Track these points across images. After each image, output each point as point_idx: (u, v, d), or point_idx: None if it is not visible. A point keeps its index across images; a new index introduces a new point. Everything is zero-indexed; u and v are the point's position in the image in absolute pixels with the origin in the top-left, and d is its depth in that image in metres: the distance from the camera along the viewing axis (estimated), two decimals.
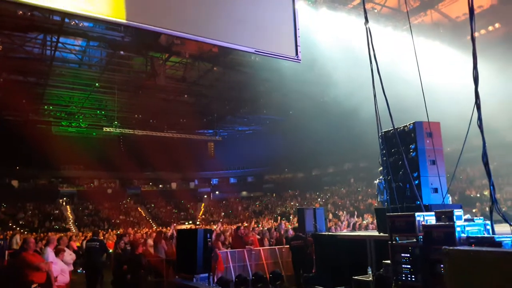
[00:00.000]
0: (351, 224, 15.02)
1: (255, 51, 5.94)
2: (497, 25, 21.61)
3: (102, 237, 17.72)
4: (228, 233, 13.76)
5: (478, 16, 20.37)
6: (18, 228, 33.26)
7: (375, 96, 6.11)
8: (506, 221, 4.49)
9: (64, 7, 4.22)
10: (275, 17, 6.50)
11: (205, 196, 51.03)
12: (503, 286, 2.38)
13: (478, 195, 24.36)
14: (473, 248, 2.98)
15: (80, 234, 27.29)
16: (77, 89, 26.70)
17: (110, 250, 12.86)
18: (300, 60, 6.34)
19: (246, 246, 11.01)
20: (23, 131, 30.05)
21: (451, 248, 2.81)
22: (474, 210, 20.44)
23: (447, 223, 4.57)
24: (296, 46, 6.32)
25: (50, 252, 7.58)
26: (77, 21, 18.35)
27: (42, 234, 27.17)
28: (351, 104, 20.60)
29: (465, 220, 4.68)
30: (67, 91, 27.30)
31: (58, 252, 7.99)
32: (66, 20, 17.81)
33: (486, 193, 23.98)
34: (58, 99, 29.01)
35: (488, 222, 4.70)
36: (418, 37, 19.81)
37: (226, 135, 42.85)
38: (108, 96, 27.64)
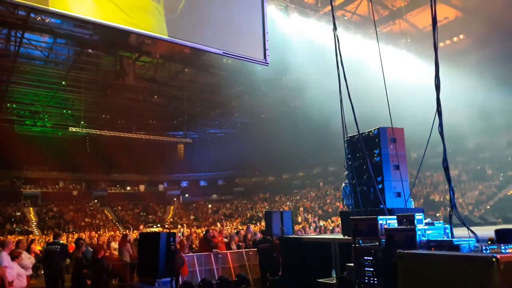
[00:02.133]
0: (319, 227, 15.16)
1: (223, 52, 5.92)
2: (461, 36, 22.45)
3: (65, 241, 17.18)
4: (194, 236, 13.58)
5: (443, 27, 21.15)
6: None
7: (341, 101, 6.21)
8: (464, 225, 4.64)
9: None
10: (244, 20, 6.51)
11: (175, 199, 50.39)
12: None
13: (442, 199, 25.16)
14: (427, 251, 3.04)
15: (44, 237, 26.36)
16: (42, 87, 25.79)
17: None
18: (268, 63, 6.36)
19: (213, 250, 10.91)
20: None
21: (405, 251, 2.86)
22: (438, 214, 21.10)
23: (408, 226, 4.66)
24: (265, 49, 6.35)
25: (5, 256, 7.25)
26: (43, 17, 17.75)
27: (2, 237, 26.06)
28: (322, 109, 20.84)
29: (426, 224, 4.78)
30: (31, 89, 26.34)
31: (15, 256, 7.65)
32: (32, 15, 17.20)
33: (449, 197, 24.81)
34: (22, 97, 27.94)
35: (448, 226, 4.83)
36: (386, 45, 20.34)
37: (197, 137, 42.51)
38: (75, 95, 26.87)
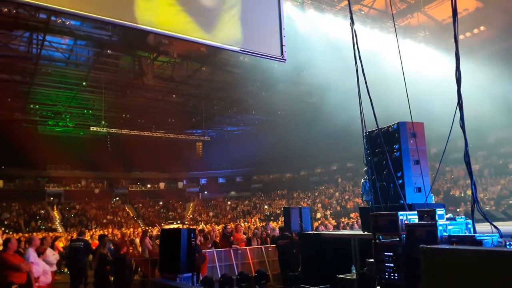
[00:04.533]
0: (338, 223, 15.11)
1: (240, 50, 5.96)
2: (482, 28, 21.94)
3: (89, 238, 17.57)
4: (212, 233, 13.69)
5: (463, 19, 20.75)
6: (3, 229, 32.72)
7: (359, 96, 6.18)
8: (487, 220, 4.56)
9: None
10: (261, 17, 6.53)
11: (194, 196, 50.86)
12: (479, 284, 2.40)
13: (462, 194, 24.72)
14: (450, 246, 2.99)
15: (67, 234, 26.98)
16: (63, 88, 26.38)
17: None
18: (285, 59, 6.37)
19: (233, 246, 11.00)
20: (9, 130, 29.62)
21: (428, 246, 2.83)
22: (458, 210, 20.74)
23: (429, 222, 4.62)
24: (282, 45, 6.35)
25: (31, 253, 7.47)
26: (63, 19, 18.11)
27: (27, 235, 26.79)
28: (339, 105, 20.73)
29: (447, 219, 4.73)
30: (53, 90, 26.96)
31: (40, 253, 7.88)
32: (53, 18, 17.58)
33: (470, 192, 24.35)
34: (45, 98, 28.64)
35: (470, 221, 4.76)
36: (404, 39, 20.06)
37: (215, 135, 42.76)
38: (95, 95, 27.38)
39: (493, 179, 25.73)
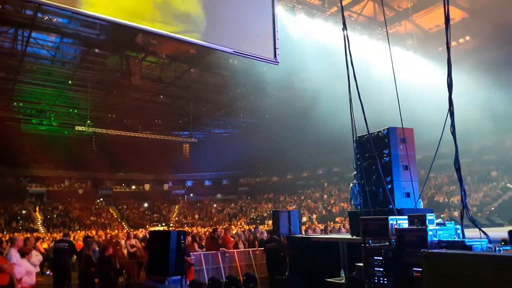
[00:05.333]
0: (325, 227, 15.16)
1: (233, 51, 5.95)
2: (467, 37, 22.38)
3: (72, 239, 17.27)
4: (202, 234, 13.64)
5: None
6: None
7: (350, 101, 6.21)
8: (476, 225, 4.61)
9: None
10: (255, 19, 6.52)
11: (179, 198, 50.52)
12: None
13: (446, 200, 25.05)
14: (452, 251, 2.99)
15: (49, 235, 26.49)
16: (49, 86, 25.97)
17: None
18: (278, 62, 6.37)
19: (220, 249, 10.94)
20: None
21: (430, 251, 2.82)
22: (442, 215, 21.02)
23: (419, 227, 4.65)
24: (275, 48, 6.36)
25: (14, 253, 7.29)
26: (50, 16, 17.86)
27: (8, 235, 26.22)
28: (327, 110, 20.88)
29: (437, 224, 4.77)
30: (38, 88, 26.51)
31: (24, 254, 7.70)
32: (39, 15, 17.32)
33: (454, 199, 24.71)
34: (29, 96, 28.12)
35: (459, 226, 4.81)
36: (393, 46, 20.29)
37: (202, 137, 42.61)
38: (81, 94, 27.01)
39: (476, 186, 26.15)
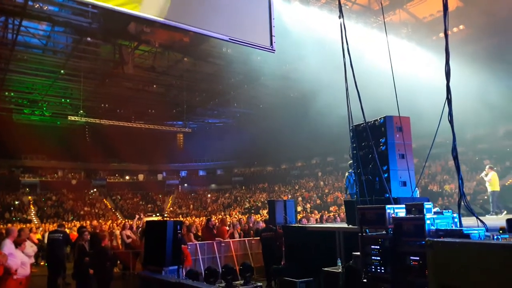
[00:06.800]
0: (320, 216, 15.22)
1: (229, 39, 5.86)
2: (461, 27, 22.32)
3: (66, 229, 17.21)
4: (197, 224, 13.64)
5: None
6: None
7: (347, 89, 6.17)
8: (473, 214, 4.63)
9: None
10: (251, 6, 6.42)
11: (174, 188, 50.50)
12: (491, 277, 2.38)
13: (440, 189, 25.24)
14: (459, 240, 2.97)
15: (43, 225, 26.37)
16: (40, 75, 25.62)
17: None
18: (274, 50, 6.30)
19: (216, 238, 10.94)
20: None
21: (435, 240, 2.80)
22: (436, 205, 21.19)
23: (417, 215, 4.65)
24: (271, 36, 6.28)
25: (8, 244, 7.22)
26: (41, 4, 17.52)
27: (0, 226, 26.07)
28: (322, 99, 20.81)
29: (435, 213, 4.77)
30: (30, 78, 26.11)
31: (18, 244, 7.63)
32: (30, 3, 16.97)
33: (447, 188, 24.91)
34: (20, 85, 27.73)
35: (456, 215, 4.82)
36: (388, 35, 20.23)
37: (196, 127, 42.46)
38: (73, 84, 26.67)
39: (470, 175, 26.35)
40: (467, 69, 18.84)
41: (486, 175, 12.57)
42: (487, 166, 13.13)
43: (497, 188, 12.31)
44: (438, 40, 21.63)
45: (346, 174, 9.38)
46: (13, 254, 7.06)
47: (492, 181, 12.31)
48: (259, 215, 26.57)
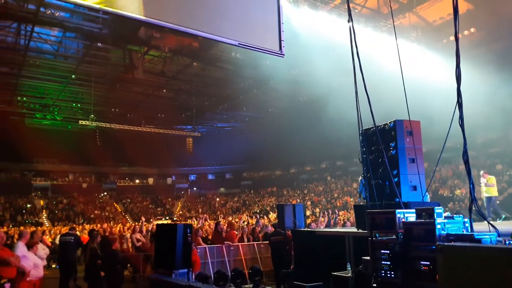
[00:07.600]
0: (330, 220, 15.15)
1: (238, 44, 5.90)
2: (472, 29, 22.16)
3: (77, 232, 17.36)
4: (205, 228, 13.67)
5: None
6: None
7: (356, 93, 6.15)
8: (485, 219, 4.59)
9: None
10: (260, 11, 6.46)
11: (183, 192, 50.66)
12: (503, 282, 2.36)
13: (450, 194, 24.97)
14: (470, 244, 2.94)
15: (54, 228, 26.63)
16: (52, 80, 25.98)
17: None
18: (283, 54, 6.32)
19: (225, 242, 10.95)
20: None
21: (446, 244, 2.77)
22: (446, 209, 20.97)
23: (427, 220, 4.62)
24: (280, 40, 6.31)
25: (21, 247, 7.32)
26: (53, 11, 17.80)
27: (13, 229, 26.41)
28: (330, 103, 20.79)
29: (445, 217, 4.73)
30: (42, 83, 26.52)
31: (31, 247, 7.73)
32: (42, 9, 17.25)
33: (458, 192, 24.63)
34: (32, 90, 28.15)
35: (467, 219, 4.77)
36: (397, 39, 20.14)
37: (205, 131, 42.61)
38: (84, 88, 27.01)
39: (479, 179, 26.05)
40: (478, 73, 18.68)
41: (486, 182, 12.44)
42: (482, 171, 12.98)
43: (496, 194, 12.20)
44: (448, 43, 21.49)
45: (360, 178, 9.33)
46: (25, 256, 7.16)
47: (494, 186, 12.21)
48: (265, 218, 26.46)
